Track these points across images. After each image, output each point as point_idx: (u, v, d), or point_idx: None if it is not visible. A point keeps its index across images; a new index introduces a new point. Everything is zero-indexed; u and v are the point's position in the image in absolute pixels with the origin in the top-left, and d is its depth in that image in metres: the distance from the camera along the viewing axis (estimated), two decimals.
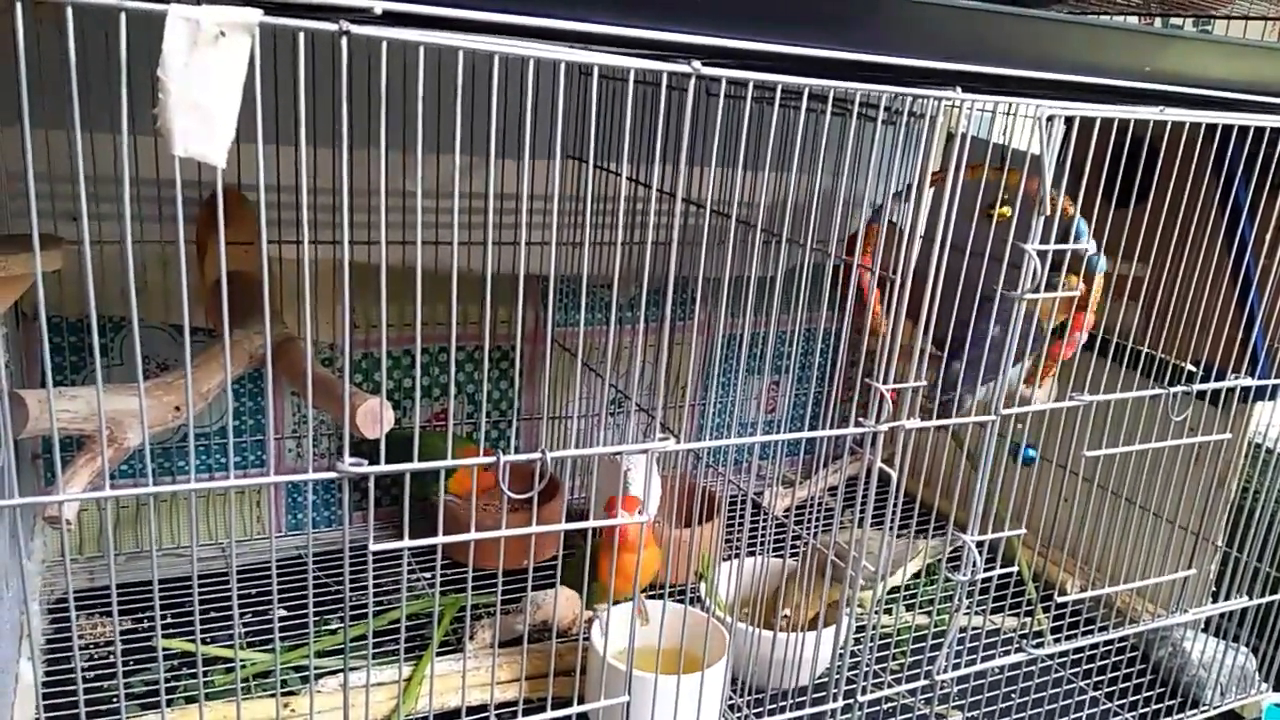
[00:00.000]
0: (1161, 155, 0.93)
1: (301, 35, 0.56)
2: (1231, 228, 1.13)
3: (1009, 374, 0.93)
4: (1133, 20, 1.49)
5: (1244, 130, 0.93)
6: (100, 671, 1.06)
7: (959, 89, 0.77)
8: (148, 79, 0.53)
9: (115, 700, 0.97)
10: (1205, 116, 0.88)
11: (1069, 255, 0.85)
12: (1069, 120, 0.82)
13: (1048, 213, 0.83)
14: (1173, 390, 1.02)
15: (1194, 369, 1.08)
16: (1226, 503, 1.23)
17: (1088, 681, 1.21)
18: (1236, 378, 1.06)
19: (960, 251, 0.84)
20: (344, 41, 0.56)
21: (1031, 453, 0.91)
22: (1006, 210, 0.95)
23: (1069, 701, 1.18)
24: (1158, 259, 0.97)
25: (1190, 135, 0.91)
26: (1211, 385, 1.04)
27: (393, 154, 0.63)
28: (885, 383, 0.84)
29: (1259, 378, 1.08)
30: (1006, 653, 1.06)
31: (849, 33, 0.69)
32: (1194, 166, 0.94)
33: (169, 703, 1.01)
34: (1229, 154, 0.97)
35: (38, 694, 0.93)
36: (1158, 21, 1.63)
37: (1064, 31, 0.77)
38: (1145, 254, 0.96)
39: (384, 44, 0.58)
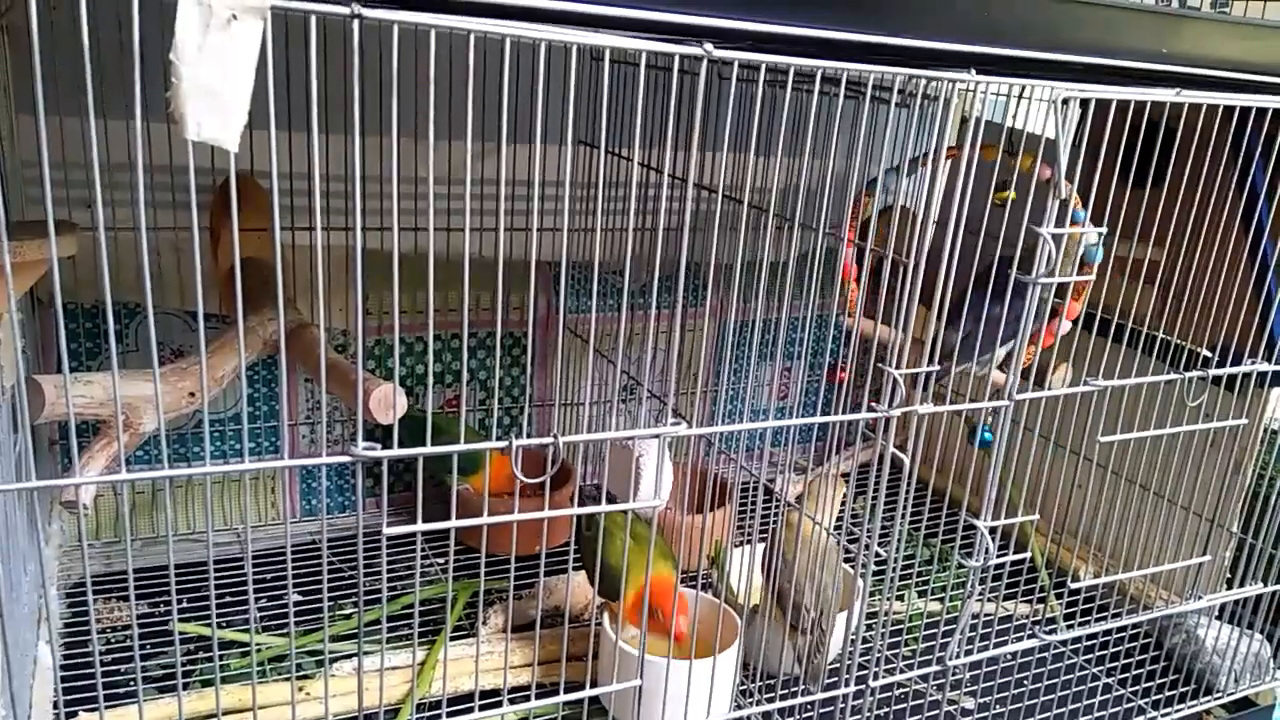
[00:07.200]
0: (1178, 137, 0.92)
1: (313, 19, 0.56)
2: (1249, 211, 1.12)
3: (1003, 349, 0.92)
4: (1149, 0, 1.47)
5: (1262, 112, 0.92)
6: (117, 655, 1.07)
7: (973, 71, 0.76)
8: (160, 64, 0.53)
9: (133, 683, 0.98)
10: (1223, 98, 0.87)
11: (1066, 238, 0.85)
12: (1084, 102, 0.81)
13: (1063, 196, 0.83)
14: (1188, 375, 1.01)
15: (1209, 354, 1.07)
16: (1242, 489, 1.22)
17: (1101, 668, 1.21)
18: (1253, 362, 1.05)
19: (968, 232, 0.83)
20: (355, 25, 0.56)
21: (989, 435, 0.90)
22: (1010, 194, 0.94)
23: (1082, 688, 1.17)
24: (1174, 242, 0.96)
25: (1207, 117, 0.90)
26: (1227, 370, 1.04)
27: (404, 140, 0.63)
28: (898, 367, 0.84)
29: (1275, 363, 1.07)
30: (1019, 639, 1.06)
31: (862, 14, 0.69)
32: (1211, 149, 0.93)
33: (185, 686, 1.02)
34: (1246, 136, 0.96)
35: (56, 677, 0.94)
36: (1175, 1, 1.61)
37: (1079, 12, 0.77)
38: (1161, 237, 0.95)
39: (395, 28, 0.58)
